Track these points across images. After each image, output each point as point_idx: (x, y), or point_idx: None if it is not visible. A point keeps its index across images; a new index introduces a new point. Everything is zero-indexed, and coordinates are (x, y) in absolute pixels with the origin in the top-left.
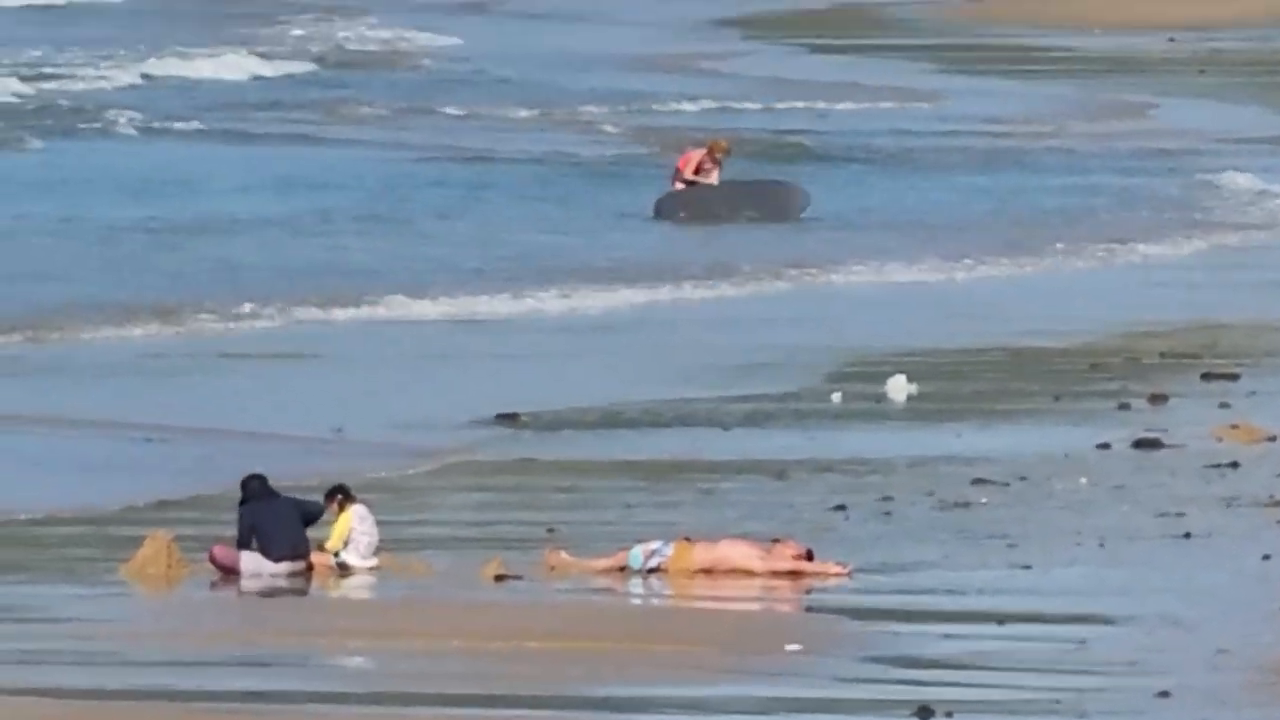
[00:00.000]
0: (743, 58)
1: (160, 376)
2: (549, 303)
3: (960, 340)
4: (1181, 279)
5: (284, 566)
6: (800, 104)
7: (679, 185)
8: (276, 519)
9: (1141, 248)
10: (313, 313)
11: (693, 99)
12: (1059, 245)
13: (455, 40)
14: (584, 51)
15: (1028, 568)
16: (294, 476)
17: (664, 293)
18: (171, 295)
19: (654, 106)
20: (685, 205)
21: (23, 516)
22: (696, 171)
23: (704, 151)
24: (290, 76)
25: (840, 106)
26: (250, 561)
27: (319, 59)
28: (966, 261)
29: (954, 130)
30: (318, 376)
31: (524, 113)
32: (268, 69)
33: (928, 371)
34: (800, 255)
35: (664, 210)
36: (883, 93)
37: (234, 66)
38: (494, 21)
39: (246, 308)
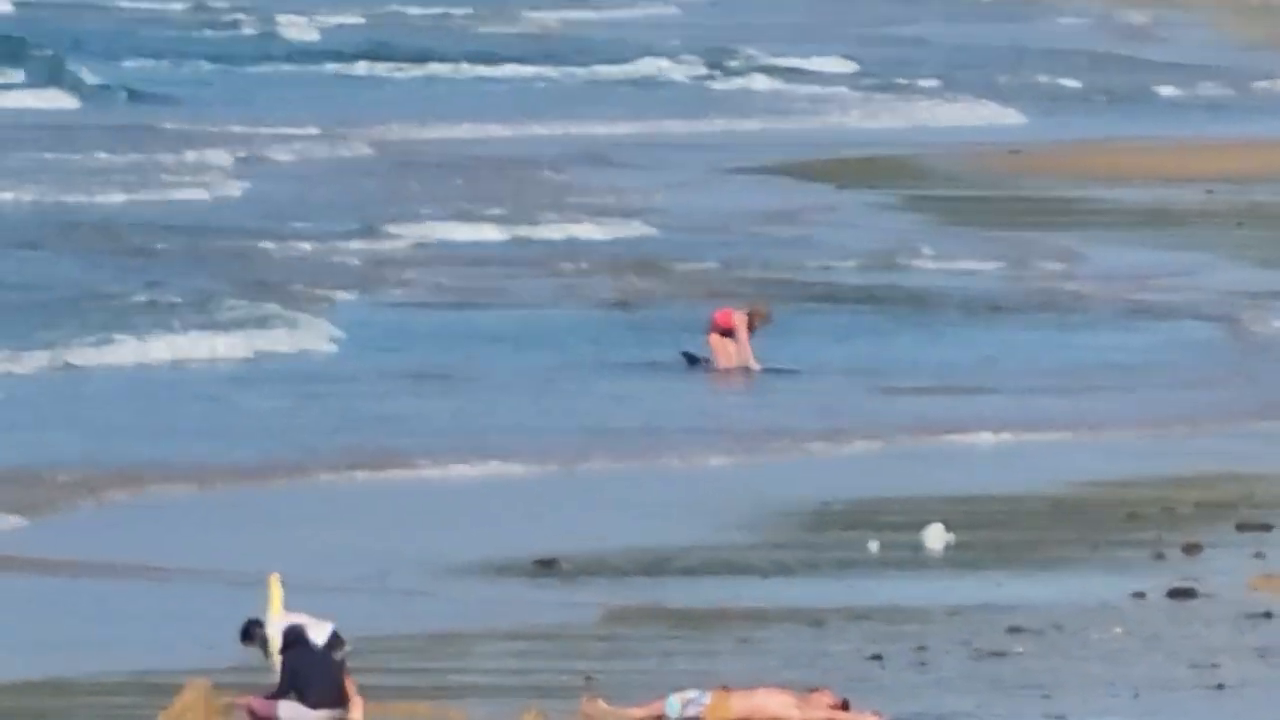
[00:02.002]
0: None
1: (201, 524)
2: (583, 450)
3: (997, 489)
4: (1216, 429)
5: (323, 714)
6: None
7: (718, 346)
8: (316, 666)
9: (1176, 398)
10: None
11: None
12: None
13: None
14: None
15: (1062, 718)
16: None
17: (704, 444)
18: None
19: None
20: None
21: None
22: (730, 333)
23: (745, 313)
24: None
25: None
26: (288, 710)
27: None
28: (998, 416)
29: (1006, 278)
30: (360, 525)
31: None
32: None
33: (965, 520)
34: (836, 411)
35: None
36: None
37: None
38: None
39: (287, 458)
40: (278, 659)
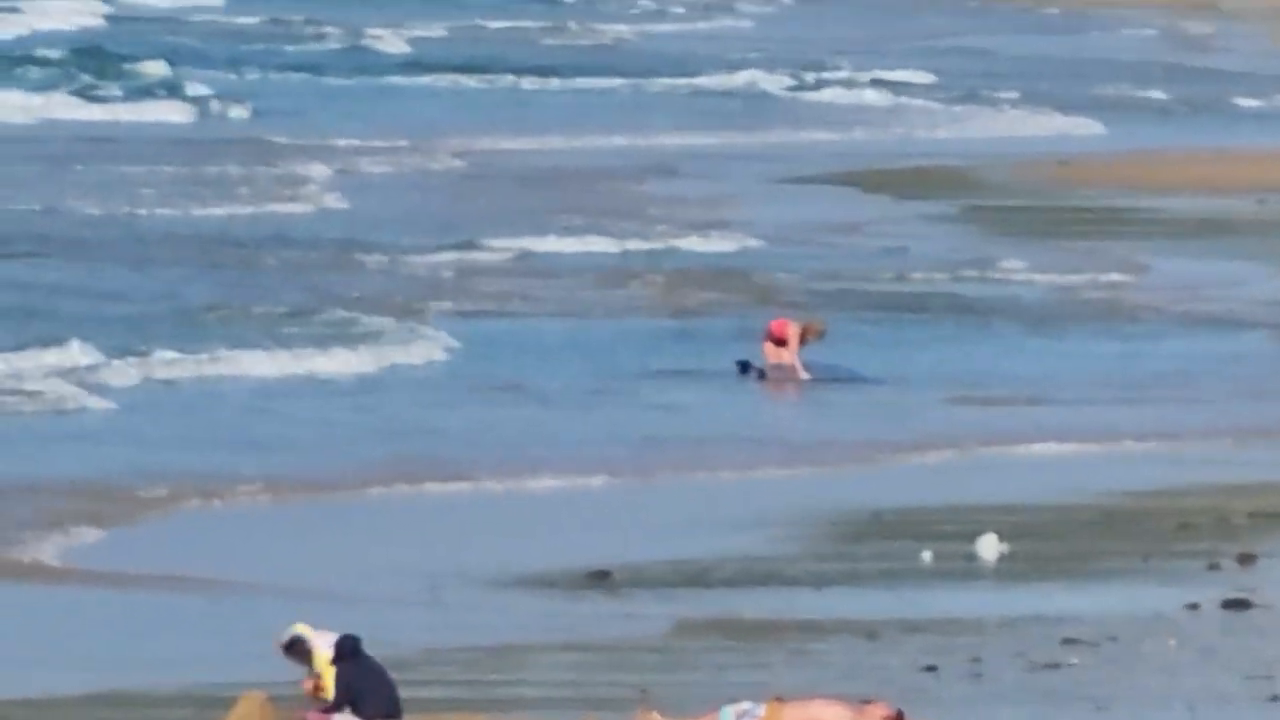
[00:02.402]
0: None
1: (265, 537)
2: (636, 462)
3: (1051, 499)
4: (1271, 438)
5: None
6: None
7: (773, 355)
8: (372, 679)
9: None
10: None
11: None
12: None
13: None
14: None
15: None
16: (388, 639)
17: (756, 454)
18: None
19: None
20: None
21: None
22: (783, 342)
23: (799, 325)
24: None
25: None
26: None
27: None
28: (1050, 426)
29: (1059, 287)
30: (414, 538)
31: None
32: None
33: (1018, 530)
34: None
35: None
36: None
37: None
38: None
39: (344, 471)
40: (327, 671)
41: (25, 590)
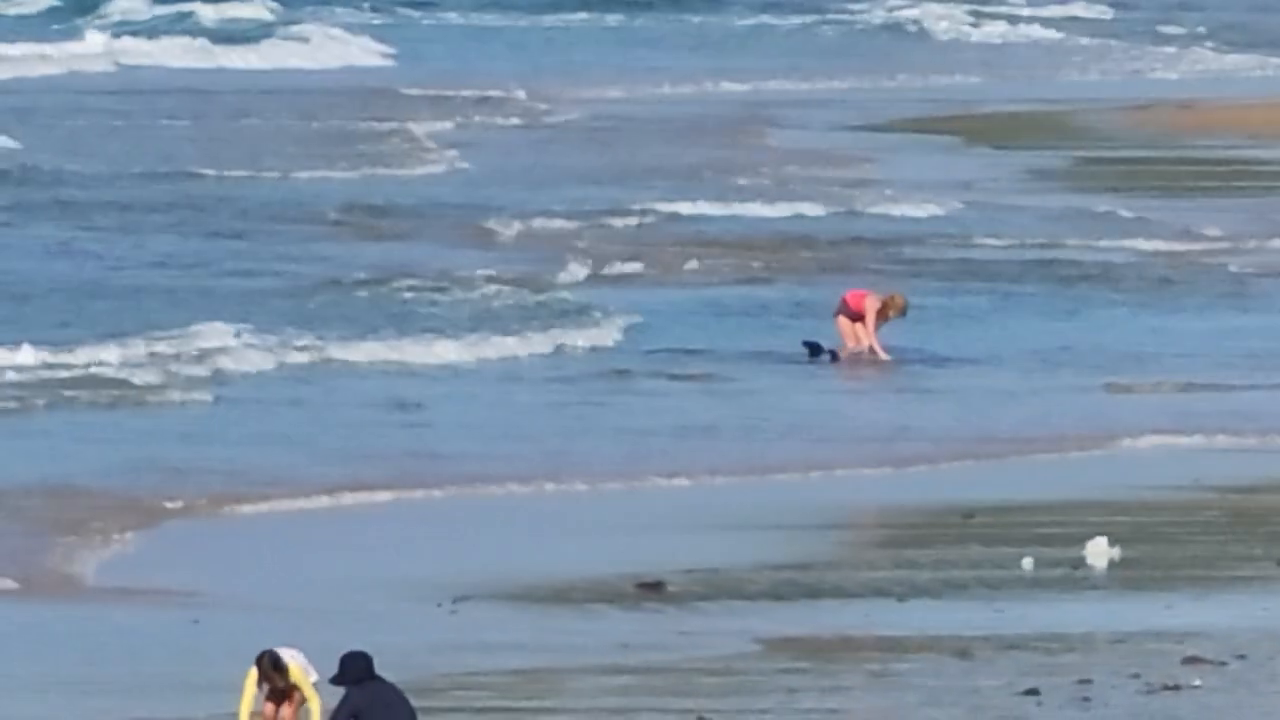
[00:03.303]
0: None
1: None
2: (692, 458)
3: (1169, 496)
4: None
5: None
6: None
7: (848, 332)
8: (387, 707)
9: None
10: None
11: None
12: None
13: None
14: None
15: None
16: (404, 661)
17: (828, 448)
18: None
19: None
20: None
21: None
22: (860, 317)
23: (880, 299)
24: None
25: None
26: None
27: None
28: (1168, 413)
29: (1163, 254)
30: (431, 545)
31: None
32: None
33: (1133, 533)
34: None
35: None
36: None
37: None
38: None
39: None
40: (305, 683)
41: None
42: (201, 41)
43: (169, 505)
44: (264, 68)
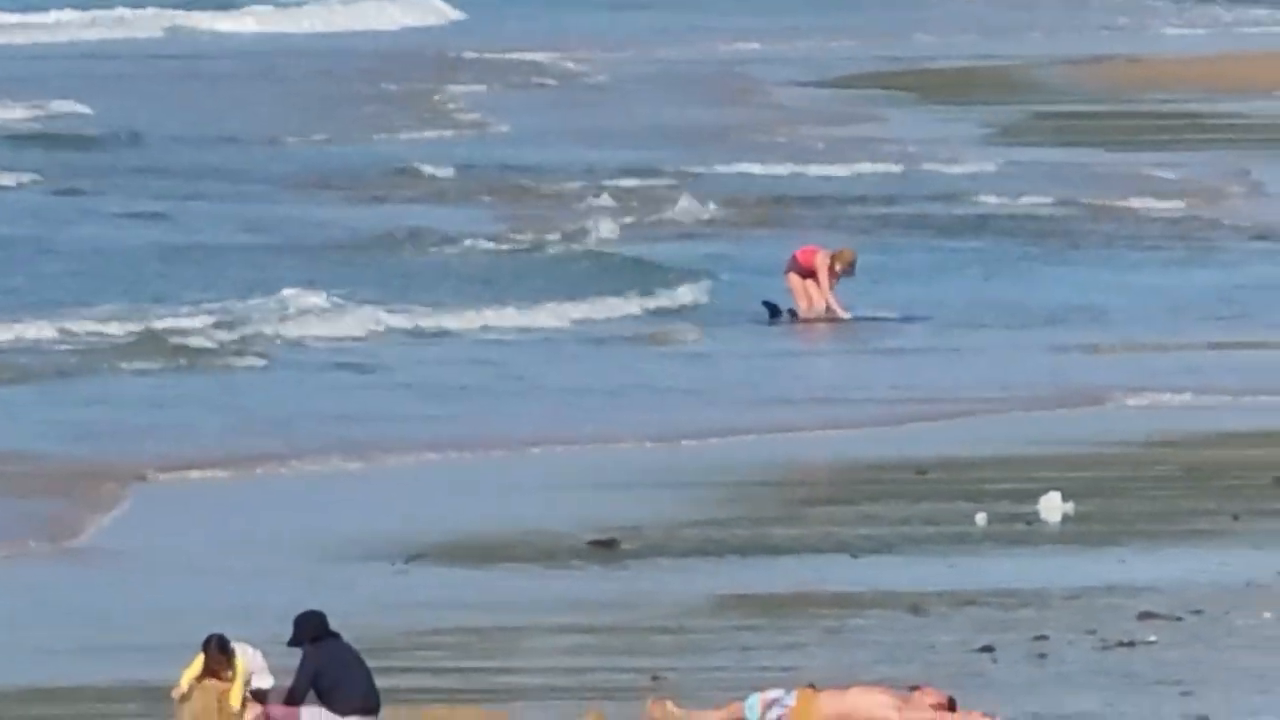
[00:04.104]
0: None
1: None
2: (647, 417)
3: (1123, 452)
4: None
5: None
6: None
7: (799, 289)
8: (343, 665)
9: None
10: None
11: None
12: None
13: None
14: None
15: (1204, 718)
16: (359, 620)
17: (784, 407)
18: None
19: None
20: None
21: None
22: (812, 274)
23: (830, 255)
24: None
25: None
26: (313, 716)
27: None
28: (1117, 356)
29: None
30: (384, 507)
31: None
32: None
33: (1087, 488)
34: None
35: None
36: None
37: None
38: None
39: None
40: (239, 683)
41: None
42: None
43: (127, 471)
44: (318, 30)
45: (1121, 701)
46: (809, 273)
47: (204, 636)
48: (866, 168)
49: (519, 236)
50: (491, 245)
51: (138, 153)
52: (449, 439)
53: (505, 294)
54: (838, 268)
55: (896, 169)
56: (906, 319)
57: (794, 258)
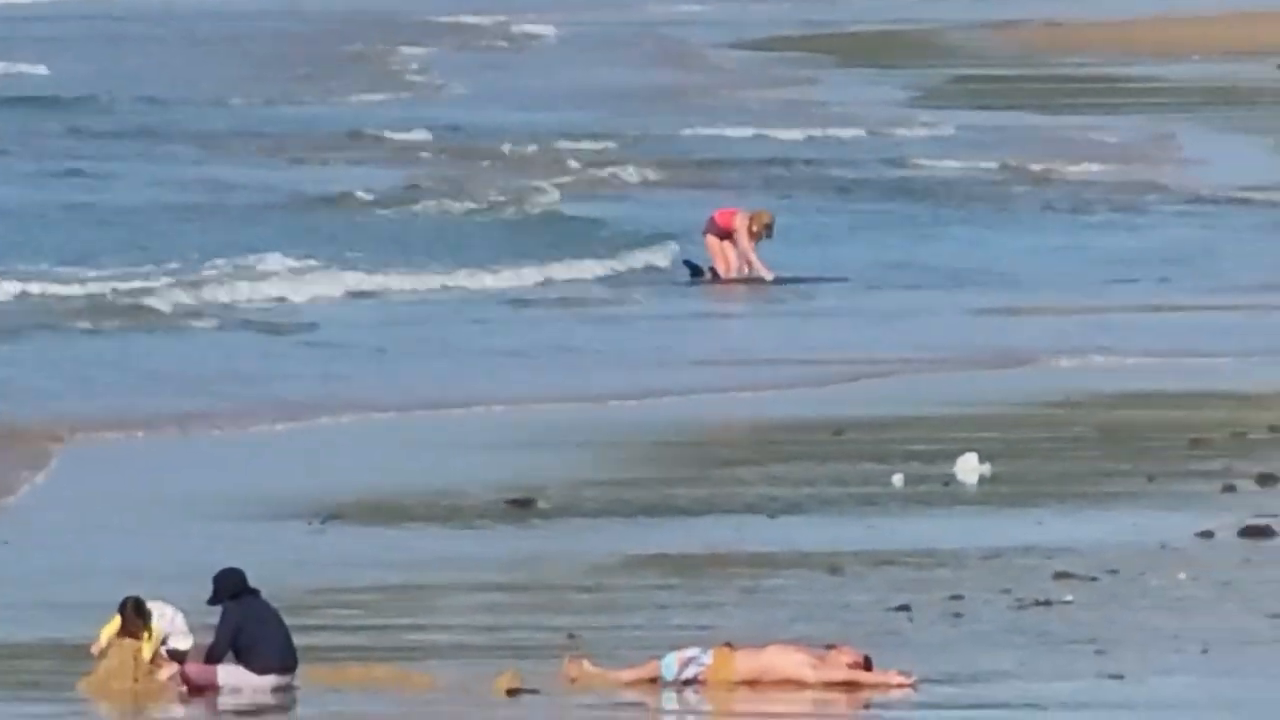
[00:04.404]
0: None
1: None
2: (567, 378)
3: (1040, 413)
4: None
5: (269, 680)
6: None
7: (716, 251)
8: (262, 623)
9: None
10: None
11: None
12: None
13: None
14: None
15: (1119, 678)
16: (276, 578)
17: (701, 368)
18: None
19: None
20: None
21: None
22: (729, 236)
23: (747, 216)
24: None
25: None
26: (230, 675)
27: None
28: (1036, 318)
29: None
30: (300, 466)
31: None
32: None
33: (1003, 449)
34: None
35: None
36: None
37: None
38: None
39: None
40: (148, 645)
41: None
42: None
43: (43, 433)
44: None
45: (1036, 660)
46: (727, 234)
47: (120, 597)
48: (815, 132)
49: (469, 200)
50: (436, 205)
51: (96, 115)
52: (368, 399)
53: (465, 256)
54: (755, 229)
55: (834, 133)
56: (826, 280)
57: (712, 219)
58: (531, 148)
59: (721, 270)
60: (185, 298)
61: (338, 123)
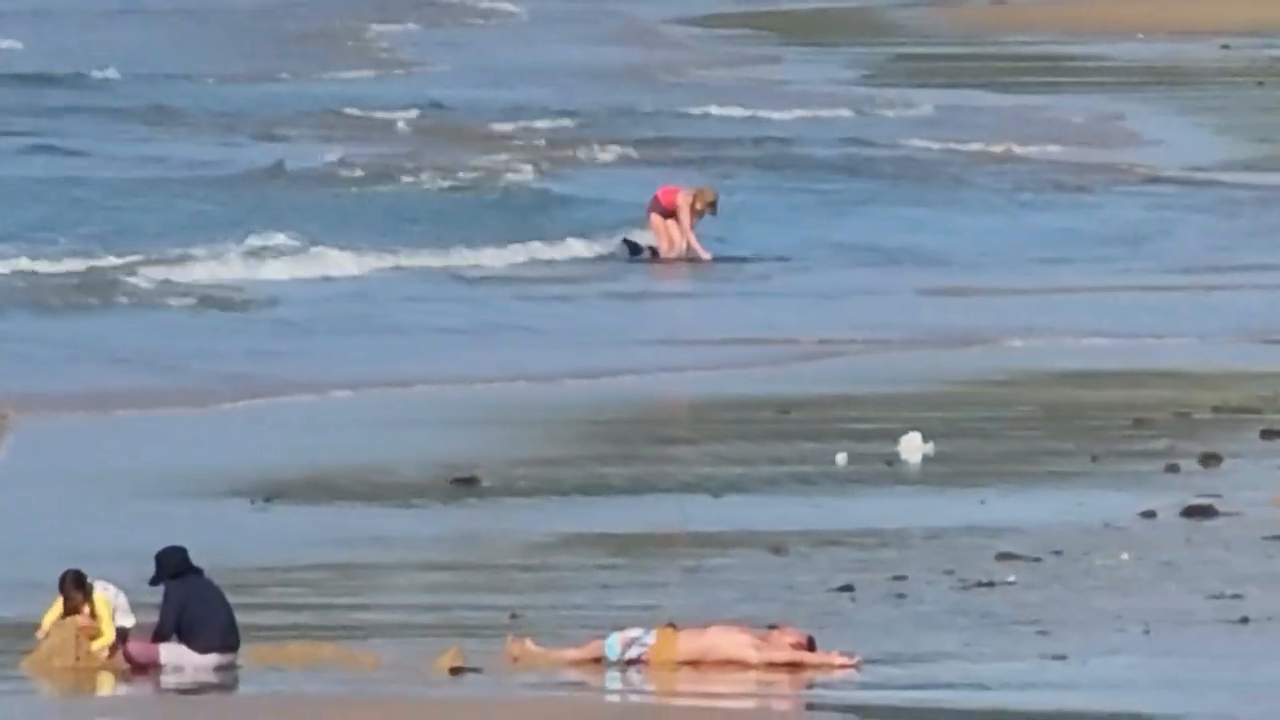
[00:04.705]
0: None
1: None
2: (511, 359)
3: (984, 393)
4: (1229, 324)
5: (211, 659)
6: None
7: (660, 229)
8: (205, 601)
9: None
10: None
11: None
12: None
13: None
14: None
15: (1062, 658)
16: (218, 557)
17: (644, 347)
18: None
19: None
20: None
21: None
22: (673, 214)
23: (691, 194)
24: None
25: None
26: (172, 653)
27: None
28: (981, 298)
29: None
30: (244, 446)
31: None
32: None
33: (947, 429)
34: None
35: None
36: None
37: None
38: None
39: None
40: (105, 611)
41: None
42: None
43: None
44: None
45: (979, 641)
46: (671, 212)
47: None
48: (804, 113)
49: (440, 178)
50: (412, 181)
51: (68, 91)
52: (312, 379)
53: (427, 234)
54: (699, 206)
55: (822, 114)
56: (768, 259)
57: (655, 197)
58: (510, 125)
59: (664, 249)
60: (141, 278)
61: (312, 101)
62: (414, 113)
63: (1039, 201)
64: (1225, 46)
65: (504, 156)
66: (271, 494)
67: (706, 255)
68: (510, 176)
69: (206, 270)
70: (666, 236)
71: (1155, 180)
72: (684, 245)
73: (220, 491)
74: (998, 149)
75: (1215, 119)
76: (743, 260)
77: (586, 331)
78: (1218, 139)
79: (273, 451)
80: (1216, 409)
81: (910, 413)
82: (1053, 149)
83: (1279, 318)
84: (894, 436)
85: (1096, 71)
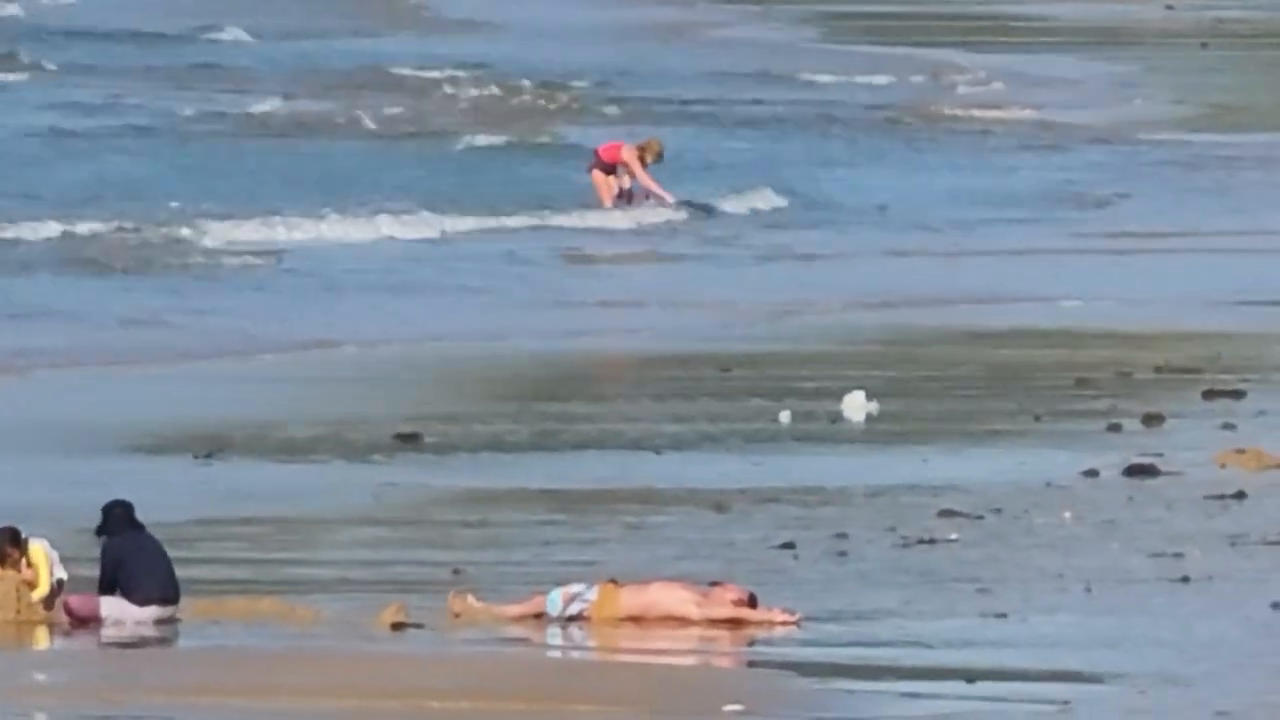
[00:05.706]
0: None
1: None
2: (452, 316)
3: (927, 351)
4: (1173, 286)
5: (151, 612)
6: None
7: (600, 184)
8: (144, 556)
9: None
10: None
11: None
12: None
13: None
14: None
15: (1002, 616)
16: (160, 511)
17: (584, 303)
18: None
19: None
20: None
21: None
22: (614, 170)
23: (636, 148)
24: None
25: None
26: (112, 607)
27: None
28: (925, 258)
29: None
30: (188, 395)
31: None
32: None
33: (890, 387)
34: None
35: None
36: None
37: None
38: None
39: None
40: (43, 564)
41: None
42: None
43: None
44: None
45: (920, 599)
46: (611, 168)
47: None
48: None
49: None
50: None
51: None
52: (256, 337)
53: (458, 200)
54: (648, 159)
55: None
56: (720, 212)
57: (596, 154)
58: (550, 87)
59: (605, 202)
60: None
61: (351, 58)
62: (470, 72)
63: (978, 162)
64: (1169, 7)
65: (550, 120)
66: (213, 449)
67: (670, 199)
68: (539, 138)
69: (164, 232)
70: (607, 190)
71: (1101, 141)
72: (642, 197)
73: (164, 447)
74: (937, 108)
75: (1161, 79)
76: (704, 208)
77: (532, 291)
78: (1163, 101)
79: (217, 407)
80: (1158, 369)
81: (854, 371)
82: (995, 111)
83: (1224, 280)
84: (837, 395)
85: (1042, 32)
